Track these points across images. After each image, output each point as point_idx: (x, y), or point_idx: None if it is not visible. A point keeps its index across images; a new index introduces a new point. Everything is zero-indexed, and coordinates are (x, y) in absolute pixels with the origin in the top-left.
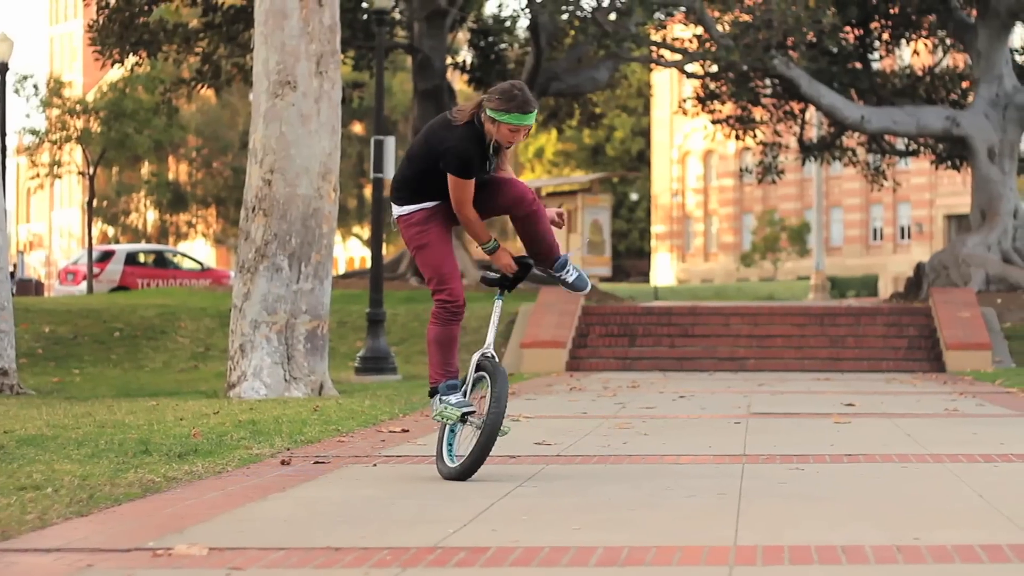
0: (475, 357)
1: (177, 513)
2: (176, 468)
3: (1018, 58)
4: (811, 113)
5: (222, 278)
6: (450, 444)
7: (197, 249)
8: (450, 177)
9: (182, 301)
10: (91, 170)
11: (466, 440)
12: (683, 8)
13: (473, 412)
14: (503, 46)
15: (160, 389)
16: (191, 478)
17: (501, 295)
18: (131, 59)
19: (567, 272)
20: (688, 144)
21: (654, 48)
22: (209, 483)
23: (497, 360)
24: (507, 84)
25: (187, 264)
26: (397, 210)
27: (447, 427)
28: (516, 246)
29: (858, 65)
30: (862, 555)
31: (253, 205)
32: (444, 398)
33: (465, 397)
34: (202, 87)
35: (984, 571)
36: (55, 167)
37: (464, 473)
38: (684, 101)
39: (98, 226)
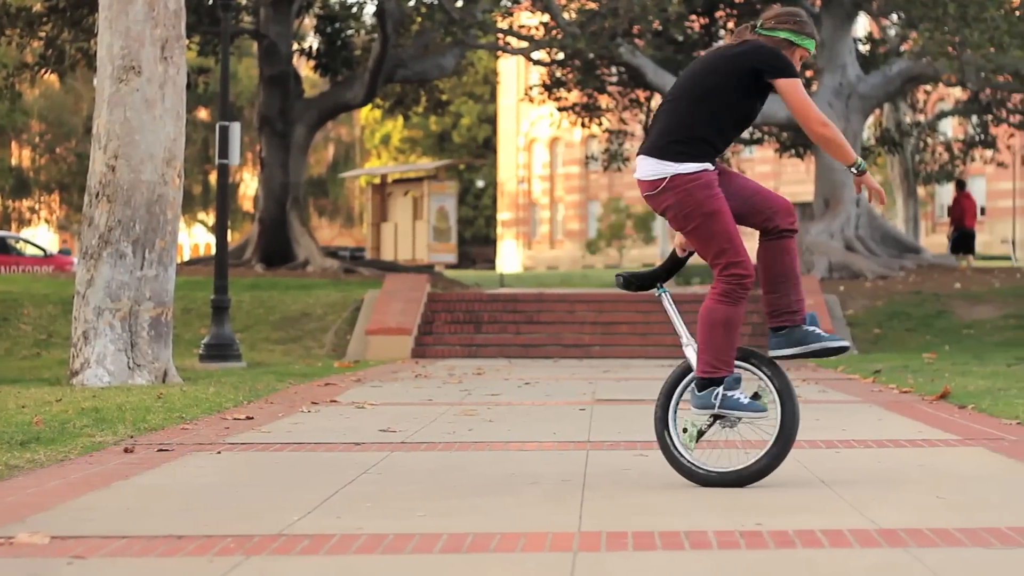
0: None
1: (18, 501)
2: (18, 456)
3: (861, 47)
4: (657, 101)
5: (65, 264)
6: (685, 445)
7: (40, 235)
8: (785, 85)
9: (25, 288)
10: None
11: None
12: None
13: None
14: (349, 32)
15: (2, 376)
16: (33, 466)
17: (661, 288)
18: None
19: (817, 330)
20: (534, 131)
21: (500, 35)
22: (51, 471)
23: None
24: (791, 7)
25: (30, 250)
26: (672, 168)
27: (686, 428)
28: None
29: (703, 53)
30: (705, 540)
31: (97, 191)
32: (729, 393)
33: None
34: (46, 72)
35: (826, 555)
36: None
37: (752, 478)
38: (530, 88)
39: None
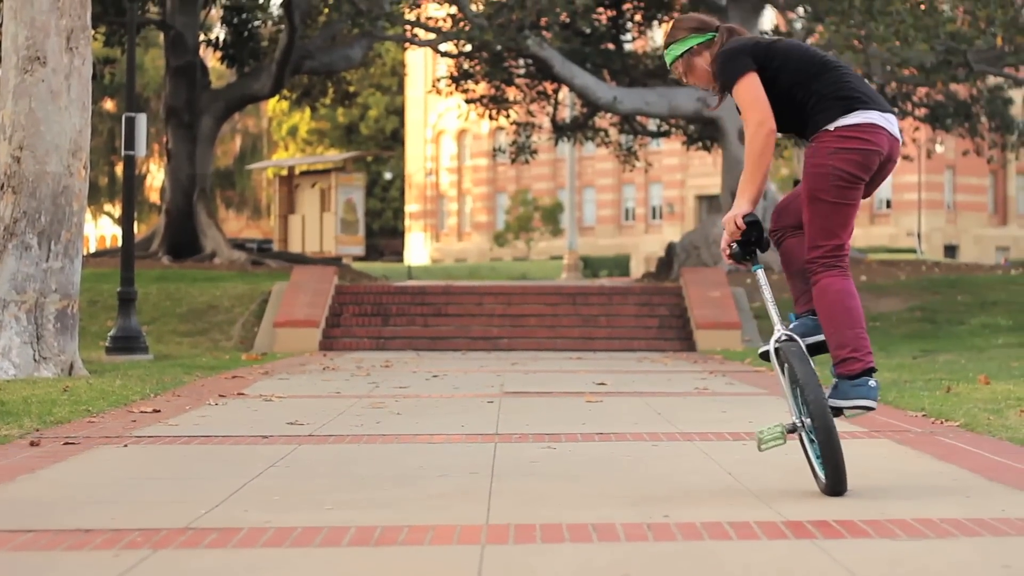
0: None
1: None
2: None
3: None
4: (564, 93)
5: None
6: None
7: None
8: None
9: None
10: None
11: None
12: None
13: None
14: (257, 23)
15: None
16: None
17: (757, 264)
18: None
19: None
20: (442, 123)
21: (408, 27)
22: None
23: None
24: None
25: None
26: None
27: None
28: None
29: (611, 46)
30: (613, 533)
31: (2, 183)
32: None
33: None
34: None
35: (732, 548)
36: None
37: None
38: (438, 80)
39: None
